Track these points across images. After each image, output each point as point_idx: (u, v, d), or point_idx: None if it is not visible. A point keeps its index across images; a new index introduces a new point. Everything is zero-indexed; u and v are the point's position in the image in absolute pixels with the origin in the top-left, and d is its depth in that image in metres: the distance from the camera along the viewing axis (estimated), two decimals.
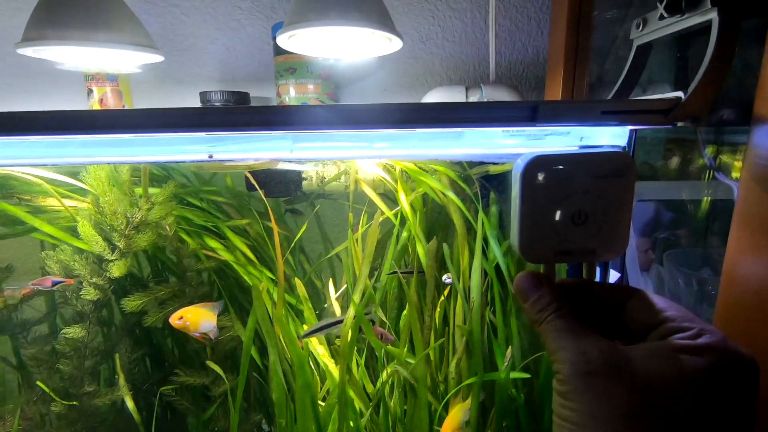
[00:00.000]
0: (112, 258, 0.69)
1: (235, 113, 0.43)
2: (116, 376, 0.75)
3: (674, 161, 0.88)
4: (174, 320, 0.68)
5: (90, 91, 1.05)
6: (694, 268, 0.75)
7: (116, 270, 0.69)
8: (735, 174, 0.67)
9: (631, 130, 0.45)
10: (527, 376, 0.71)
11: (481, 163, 0.75)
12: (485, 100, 0.89)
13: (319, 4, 0.62)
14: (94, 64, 0.73)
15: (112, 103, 1.07)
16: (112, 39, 0.67)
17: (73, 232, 0.69)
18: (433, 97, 0.94)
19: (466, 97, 0.92)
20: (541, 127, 0.43)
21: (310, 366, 0.75)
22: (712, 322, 0.60)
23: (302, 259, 0.96)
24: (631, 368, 0.30)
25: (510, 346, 0.71)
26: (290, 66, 1.00)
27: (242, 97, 1.07)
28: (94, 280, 0.68)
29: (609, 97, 0.56)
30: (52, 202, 0.69)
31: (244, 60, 1.16)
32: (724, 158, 0.64)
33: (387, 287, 0.78)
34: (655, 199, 0.84)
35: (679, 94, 0.43)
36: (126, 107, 1.09)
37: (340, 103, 1.11)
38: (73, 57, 0.70)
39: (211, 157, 0.43)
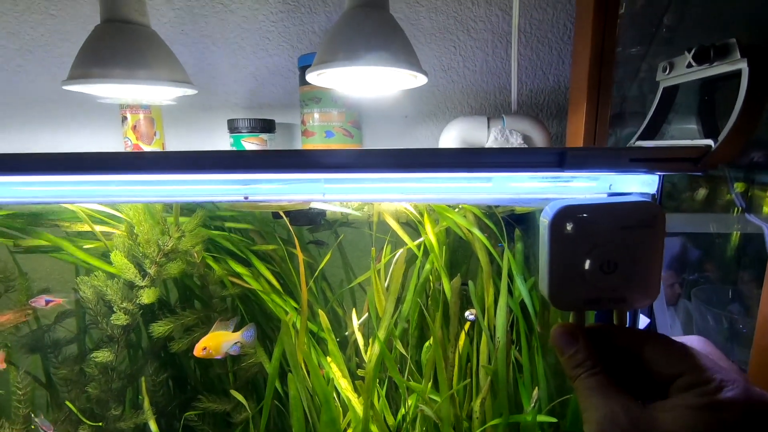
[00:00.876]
0: (143, 284, 0.71)
1: (270, 157, 0.44)
2: (140, 399, 0.76)
3: (701, 193, 0.87)
4: (198, 352, 0.70)
5: (124, 118, 1.10)
6: (724, 304, 0.73)
7: (147, 297, 0.71)
8: (767, 209, 0.66)
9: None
10: (555, 420, 0.69)
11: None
12: (507, 131, 0.89)
13: (348, 44, 0.64)
14: (133, 97, 0.76)
15: (144, 130, 1.12)
16: (151, 76, 0.71)
17: (106, 257, 0.72)
18: (455, 127, 0.95)
19: (488, 127, 0.93)
20: (570, 172, 0.44)
21: (335, 401, 0.76)
22: (747, 365, 0.59)
23: (324, 287, 0.97)
24: (658, 429, 0.30)
25: (536, 387, 0.70)
26: (315, 95, 1.03)
27: (268, 124, 1.11)
28: (124, 305, 0.71)
29: (634, 139, 0.56)
30: (88, 229, 0.72)
31: (269, 88, 1.20)
32: (754, 195, 0.63)
33: (410, 317, 0.78)
34: (681, 232, 0.83)
35: (709, 142, 0.43)
36: (157, 133, 1.14)
37: (362, 130, 1.13)
38: (115, 92, 0.74)
39: (246, 198, 0.45)
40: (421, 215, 0.80)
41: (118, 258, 0.69)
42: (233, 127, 1.09)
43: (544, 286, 0.42)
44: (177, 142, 1.21)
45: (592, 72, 0.78)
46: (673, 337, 0.37)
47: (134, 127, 1.10)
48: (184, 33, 1.19)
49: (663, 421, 0.30)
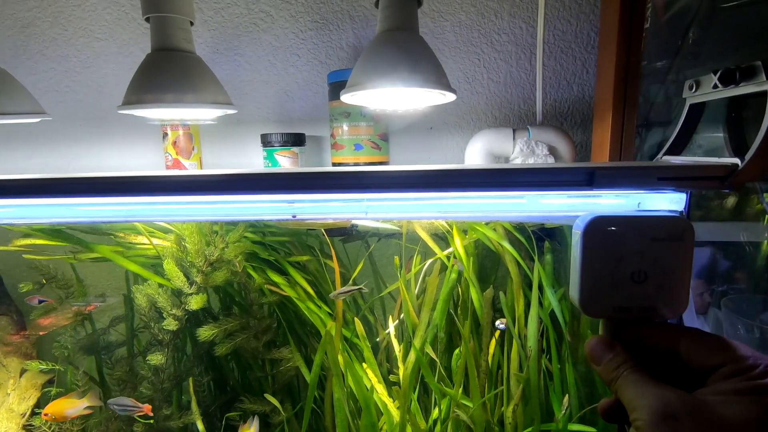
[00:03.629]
0: (190, 292, 0.76)
1: (315, 178, 0.48)
2: (184, 400, 0.81)
3: (731, 201, 0.87)
4: (42, 417, 0.76)
5: (165, 134, 1.16)
6: (755, 313, 0.74)
7: (194, 303, 0.76)
8: None
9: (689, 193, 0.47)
10: (590, 429, 0.70)
11: None
12: (533, 142, 0.92)
13: (380, 67, 0.68)
14: (180, 117, 0.82)
15: (183, 145, 1.18)
16: (198, 99, 0.76)
17: (155, 268, 0.77)
18: (481, 139, 0.98)
19: (514, 139, 0.95)
20: (599, 191, 0.46)
21: (376, 406, 0.79)
22: None
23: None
24: (711, 412, 0.31)
25: (567, 395, 0.72)
26: (345, 110, 1.07)
27: (298, 137, 1.16)
28: (173, 311, 0.76)
29: (661, 154, 0.58)
30: (141, 240, 0.78)
31: (299, 102, 1.25)
32: None
33: (439, 325, 0.81)
34: (711, 241, 0.83)
35: (736, 160, 0.45)
36: (195, 148, 1.20)
37: (388, 142, 1.17)
38: (164, 114, 0.80)
39: (294, 217, 0.49)
40: (451, 227, 0.83)
41: (170, 266, 0.74)
42: (266, 141, 1.14)
43: (575, 294, 0.45)
44: (213, 156, 1.27)
45: (617, 85, 0.80)
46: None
47: (174, 143, 1.17)
48: (219, 52, 1.25)
49: (713, 405, 0.31)
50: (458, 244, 0.81)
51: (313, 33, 1.22)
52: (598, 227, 0.43)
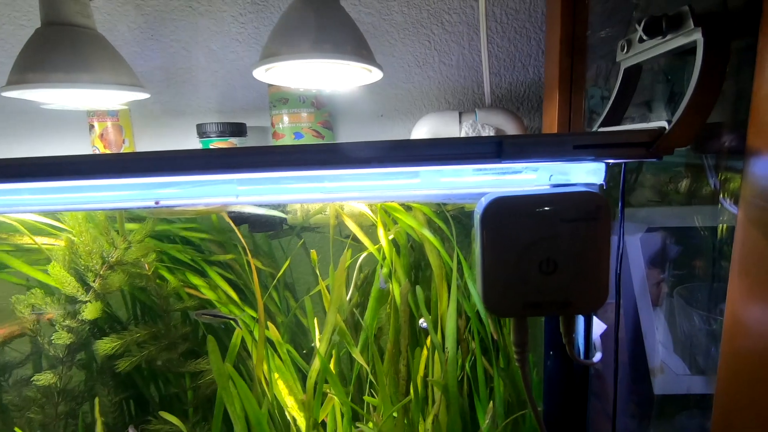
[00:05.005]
0: (86, 299, 0.68)
1: (179, 158, 0.41)
2: (92, 420, 0.72)
3: (685, 184, 0.81)
4: None
5: (91, 127, 1.07)
6: (712, 303, 0.68)
7: (89, 312, 0.68)
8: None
9: (609, 164, 0.40)
10: None
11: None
12: (479, 126, 0.85)
13: (293, 38, 0.61)
14: (78, 103, 0.74)
15: (112, 138, 1.09)
16: (94, 80, 0.68)
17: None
18: (424, 123, 0.91)
19: (460, 122, 0.88)
20: (508, 164, 0.40)
21: (271, 423, 0.71)
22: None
23: (288, 296, 0.93)
24: None
25: (492, 402, 0.65)
26: (282, 96, 1.00)
27: (239, 128, 1.08)
28: (66, 322, 0.67)
29: (596, 125, 0.51)
30: (29, 241, 0.69)
31: (242, 91, 1.17)
32: (734, 185, 0.58)
33: (369, 328, 0.73)
34: (665, 227, 0.77)
35: (663, 124, 0.38)
36: (126, 141, 1.11)
37: (333, 130, 1.10)
38: (57, 97, 0.71)
39: (157, 203, 0.41)
40: (387, 216, 0.76)
41: (56, 270, 0.65)
42: (202, 131, 1.06)
43: (478, 289, 0.38)
44: (148, 149, 1.19)
45: (563, 59, 0.74)
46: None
47: (101, 136, 1.08)
48: (155, 38, 1.16)
49: None
50: (382, 235, 0.74)
51: (253, 16, 1.14)
52: (499, 209, 0.36)
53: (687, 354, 0.73)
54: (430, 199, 0.57)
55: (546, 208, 0.35)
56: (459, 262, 0.65)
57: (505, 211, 0.35)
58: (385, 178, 0.40)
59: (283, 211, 0.79)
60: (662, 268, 0.76)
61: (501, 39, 1.07)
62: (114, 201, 0.42)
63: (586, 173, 0.38)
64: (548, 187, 0.39)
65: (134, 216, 0.79)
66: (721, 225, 0.71)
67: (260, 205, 0.64)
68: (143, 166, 0.41)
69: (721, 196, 0.55)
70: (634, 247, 0.76)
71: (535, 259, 0.35)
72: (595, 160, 0.38)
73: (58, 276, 0.66)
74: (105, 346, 0.70)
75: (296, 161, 0.39)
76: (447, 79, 1.11)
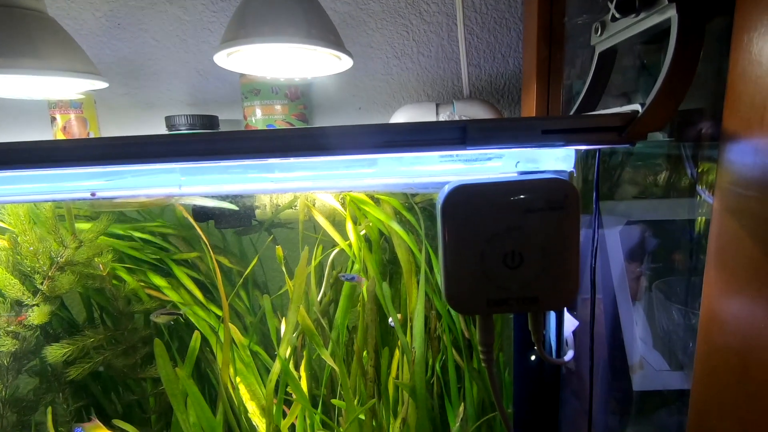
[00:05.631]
0: (33, 303, 0.63)
1: (118, 146, 0.37)
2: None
3: (664, 176, 0.80)
4: None
5: (53, 119, 1.02)
6: (690, 297, 0.66)
7: (37, 317, 0.63)
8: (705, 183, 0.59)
9: (585, 150, 0.38)
10: None
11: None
12: (456, 118, 0.82)
13: (252, 21, 0.57)
14: (30, 92, 0.69)
15: (76, 131, 1.04)
16: (43, 66, 0.63)
17: None
18: (401, 116, 0.88)
19: (437, 114, 0.86)
20: (473, 151, 0.37)
21: (237, 427, 0.68)
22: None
23: (257, 295, 0.90)
24: None
25: (462, 404, 0.62)
26: (254, 87, 0.96)
27: (210, 121, 1.03)
28: (12, 328, 0.63)
29: (572, 112, 0.49)
30: None
31: (214, 83, 1.12)
32: (710, 176, 0.56)
33: (340, 327, 0.70)
34: (644, 220, 0.76)
35: (636, 107, 0.36)
36: (91, 134, 1.06)
37: (309, 123, 1.06)
38: (3, 85, 0.66)
39: (93, 194, 0.38)
40: (358, 210, 0.73)
41: None
42: (171, 124, 1.01)
43: (441, 284, 0.35)
44: None
45: (540, 46, 0.71)
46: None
47: (64, 128, 1.03)
48: (121, 27, 1.11)
49: None
50: (351, 229, 0.71)
51: (225, 4, 1.09)
52: (460, 199, 0.33)
53: (666, 349, 0.72)
54: (392, 188, 0.54)
55: (511, 197, 0.32)
56: (429, 257, 0.62)
57: (467, 200, 0.32)
58: (341, 166, 0.37)
59: (250, 206, 0.75)
60: (641, 262, 0.75)
61: (480, 29, 1.05)
62: (46, 192, 0.38)
63: (556, 160, 0.36)
64: (515, 175, 0.36)
65: (89, 214, 0.75)
66: (699, 218, 0.70)
67: (208, 197, 0.60)
68: (76, 154, 0.37)
69: (699, 186, 0.54)
70: (613, 240, 0.74)
71: (499, 252, 0.32)
72: (565, 145, 0.36)
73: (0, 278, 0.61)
74: (56, 352, 0.66)
75: (242, 149, 0.36)
76: (425, 70, 1.08)
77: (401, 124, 0.36)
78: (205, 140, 0.36)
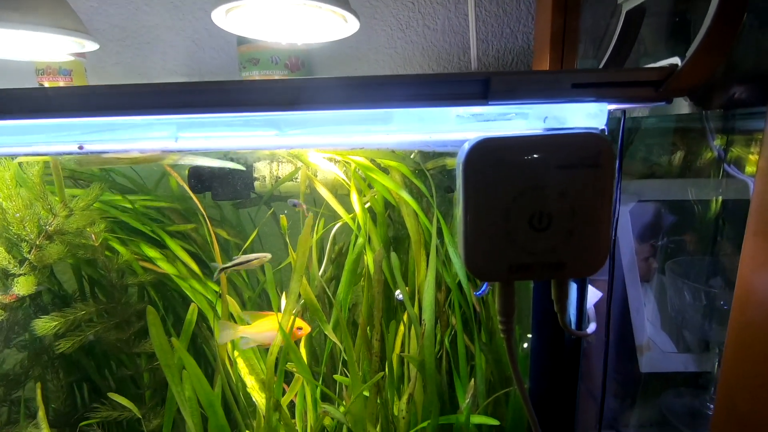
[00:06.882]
0: (21, 272, 0.60)
1: (109, 95, 0.34)
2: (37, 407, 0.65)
3: (679, 155, 0.77)
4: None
5: (41, 86, 0.98)
6: (703, 278, 0.65)
7: (22, 286, 0.60)
8: (750, 169, 0.56)
9: (613, 110, 0.35)
10: (493, 422, 0.59)
11: (439, 155, 0.65)
12: None
13: None
14: (16, 52, 0.65)
15: None
16: (25, 20, 0.59)
17: None
18: None
19: None
20: (496, 106, 0.34)
21: (234, 402, 0.65)
22: (723, 345, 0.50)
23: (256, 270, 0.87)
24: None
25: (473, 380, 0.60)
26: (252, 56, 0.92)
27: None
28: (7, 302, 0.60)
29: None
30: None
31: (210, 52, 1.08)
32: (737, 150, 0.54)
33: (342, 303, 0.68)
34: (657, 200, 0.73)
35: (675, 60, 0.33)
36: None
37: None
38: None
39: (81, 148, 0.35)
40: (363, 181, 0.70)
41: None
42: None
43: (460, 248, 0.32)
44: None
45: (555, 16, 0.68)
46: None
47: None
48: None
49: None
50: (356, 200, 0.68)
51: None
52: (484, 153, 0.30)
53: (675, 331, 0.71)
54: (407, 146, 0.51)
55: (541, 152, 0.29)
56: (439, 227, 0.60)
57: (492, 156, 0.30)
58: (353, 122, 0.34)
59: (244, 164, 0.71)
60: (652, 243, 0.73)
61: (490, 3, 1.01)
62: (30, 144, 0.35)
63: (586, 117, 0.33)
64: (542, 131, 0.34)
65: (83, 179, 0.71)
66: (716, 197, 0.68)
67: (206, 153, 0.56)
68: (64, 103, 0.34)
69: (726, 161, 0.51)
70: (623, 220, 0.72)
71: (525, 213, 0.30)
72: (597, 101, 0.33)
73: None
74: (45, 325, 0.63)
75: (248, 101, 0.33)
76: (431, 44, 1.04)
77: (419, 76, 0.33)
78: (206, 90, 0.33)
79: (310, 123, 0.34)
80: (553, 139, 0.30)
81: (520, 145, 0.29)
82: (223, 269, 0.63)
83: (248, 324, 0.61)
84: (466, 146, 0.31)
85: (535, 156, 0.29)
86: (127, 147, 0.35)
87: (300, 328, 0.60)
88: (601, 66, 0.45)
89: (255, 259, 0.65)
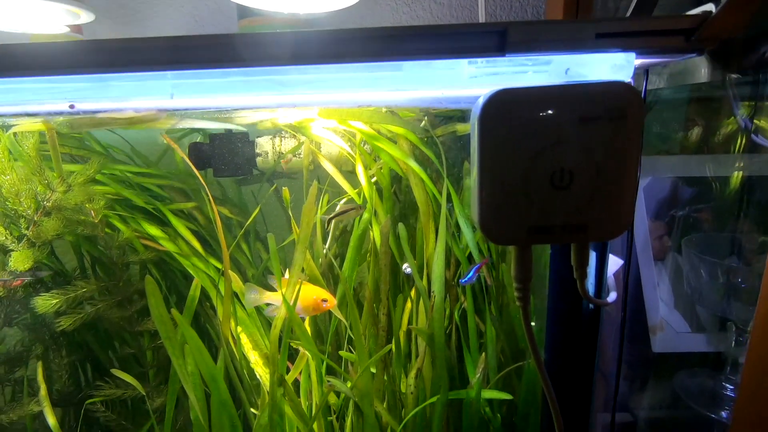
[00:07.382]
0: (17, 248, 0.59)
1: (99, 51, 0.32)
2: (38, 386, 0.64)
3: (696, 131, 0.75)
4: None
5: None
6: (720, 255, 0.62)
7: (17, 261, 0.59)
8: None
9: (640, 65, 0.33)
10: (505, 396, 0.58)
11: (448, 120, 0.62)
12: None
13: None
14: (4, 22, 0.62)
15: None
16: None
17: None
18: None
19: None
20: (514, 57, 0.32)
21: (237, 378, 0.64)
22: (749, 324, 0.48)
23: (260, 248, 0.85)
24: None
25: (484, 353, 0.59)
26: (254, 31, 0.89)
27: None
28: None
29: None
30: None
31: (210, 29, 1.05)
32: (764, 119, 0.51)
33: (348, 280, 0.66)
34: (673, 176, 0.71)
35: (710, 7, 0.30)
36: None
37: None
38: None
39: (72, 107, 0.33)
40: (368, 154, 0.68)
41: None
42: None
43: (475, 212, 0.31)
44: None
45: None
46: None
47: None
48: None
49: None
50: (362, 173, 0.66)
51: None
52: (502, 106, 0.28)
53: (689, 311, 0.69)
54: (418, 103, 0.49)
55: (562, 104, 0.27)
56: (449, 196, 0.58)
57: (510, 108, 0.28)
58: (364, 70, 0.31)
59: (242, 130, 0.69)
60: (667, 220, 0.70)
61: None
62: (18, 103, 0.33)
63: (611, 69, 0.31)
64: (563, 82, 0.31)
65: (81, 155, 0.69)
66: (736, 173, 0.65)
67: (204, 115, 0.54)
68: (52, 60, 0.32)
69: (753, 130, 0.48)
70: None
71: (546, 170, 0.28)
72: (623, 50, 0.30)
73: None
74: (44, 303, 0.62)
75: (251, 55, 0.31)
76: (438, 19, 1.01)
77: (430, 27, 0.31)
78: (205, 45, 0.31)
79: (315, 79, 0.32)
80: (576, 88, 0.27)
81: (540, 96, 0.27)
82: (330, 219, 0.64)
83: (273, 290, 0.60)
84: (481, 100, 0.29)
85: (556, 108, 0.27)
86: (121, 105, 0.33)
87: (325, 300, 0.58)
88: (627, 15, 0.42)
89: (353, 209, 0.66)
